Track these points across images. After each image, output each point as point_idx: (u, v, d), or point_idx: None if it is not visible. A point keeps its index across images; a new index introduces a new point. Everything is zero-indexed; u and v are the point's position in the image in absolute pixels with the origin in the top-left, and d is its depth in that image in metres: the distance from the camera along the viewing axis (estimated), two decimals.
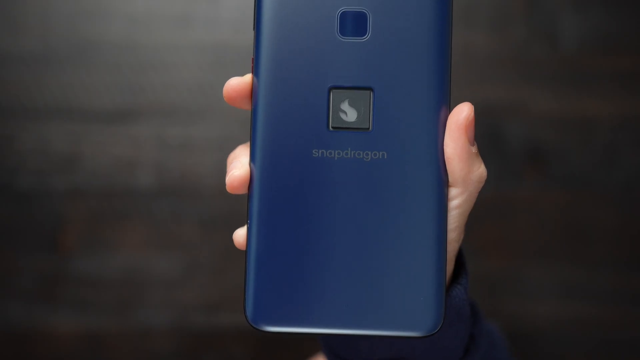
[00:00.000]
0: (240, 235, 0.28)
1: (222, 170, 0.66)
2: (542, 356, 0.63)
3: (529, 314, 0.64)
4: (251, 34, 0.71)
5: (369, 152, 0.27)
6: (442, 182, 0.27)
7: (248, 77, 0.28)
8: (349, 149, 0.27)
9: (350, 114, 0.27)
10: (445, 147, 0.27)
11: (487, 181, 0.66)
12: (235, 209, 0.65)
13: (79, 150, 0.66)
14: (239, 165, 0.28)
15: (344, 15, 0.27)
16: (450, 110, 0.27)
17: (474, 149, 0.28)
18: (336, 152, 0.27)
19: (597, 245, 0.65)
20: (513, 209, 0.65)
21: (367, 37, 0.27)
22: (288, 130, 0.27)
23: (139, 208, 0.65)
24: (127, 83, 0.67)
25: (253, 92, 0.28)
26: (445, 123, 0.27)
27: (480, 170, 0.28)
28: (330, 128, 0.27)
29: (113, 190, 0.65)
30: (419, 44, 0.27)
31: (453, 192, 0.28)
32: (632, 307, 0.64)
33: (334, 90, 0.27)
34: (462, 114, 0.27)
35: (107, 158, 0.66)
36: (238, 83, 0.28)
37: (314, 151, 0.27)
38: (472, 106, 0.27)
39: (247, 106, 0.28)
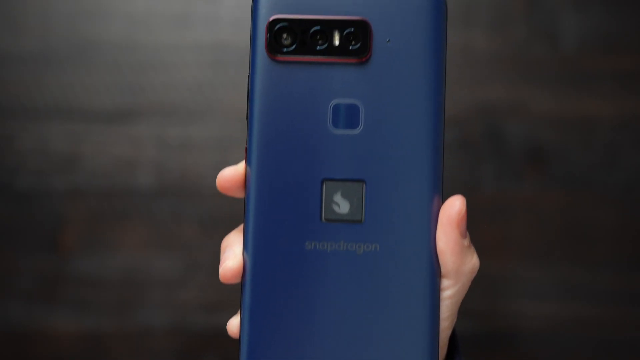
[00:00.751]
0: (234, 325, 0.30)
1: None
2: (542, 356, 0.63)
3: (529, 314, 0.64)
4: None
5: (362, 245, 0.27)
6: (434, 274, 0.28)
7: (241, 167, 0.29)
8: (342, 241, 0.27)
9: (342, 206, 0.27)
10: (437, 241, 0.27)
11: (487, 181, 0.66)
12: (235, 209, 0.65)
13: (79, 150, 0.66)
14: (231, 256, 0.28)
15: (336, 108, 0.27)
16: (443, 200, 0.28)
17: (466, 242, 0.28)
18: (329, 244, 0.27)
19: (597, 245, 0.65)
20: (513, 209, 0.65)
21: (359, 130, 0.27)
22: (281, 222, 0.28)
23: (139, 208, 0.65)
24: (127, 83, 0.67)
25: (246, 182, 0.28)
26: (437, 215, 0.28)
27: (472, 262, 0.29)
28: (323, 220, 0.27)
29: (113, 190, 0.65)
30: (411, 136, 0.27)
31: (445, 283, 0.29)
32: (632, 308, 0.64)
33: (326, 182, 0.27)
34: (453, 208, 0.27)
35: (107, 158, 0.66)
36: (231, 173, 0.29)
37: (306, 243, 0.27)
38: (464, 199, 0.28)
39: (240, 194, 0.29)
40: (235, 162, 0.70)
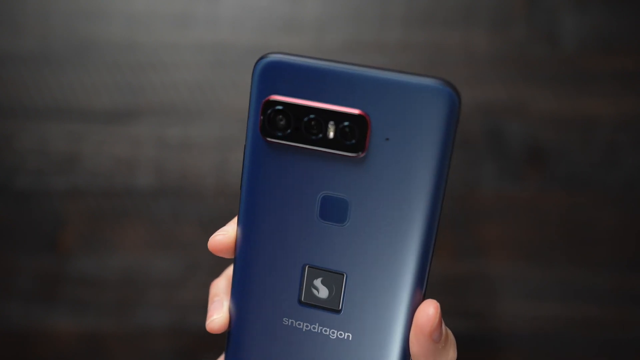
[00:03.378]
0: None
1: (222, 170, 0.66)
2: (541, 356, 0.63)
3: (529, 314, 0.64)
4: (251, 33, 0.71)
5: (335, 332, 0.28)
6: None
7: (232, 232, 0.29)
8: (317, 324, 0.28)
9: (322, 292, 0.28)
10: (410, 344, 0.27)
11: (487, 181, 0.66)
12: (235, 209, 0.65)
13: (79, 150, 0.66)
14: (219, 308, 0.30)
15: (324, 200, 0.27)
16: (423, 298, 0.27)
17: (441, 344, 0.27)
18: (304, 324, 0.28)
19: (598, 245, 0.65)
20: (513, 209, 0.65)
21: (346, 224, 0.27)
22: (263, 295, 0.28)
23: (139, 208, 0.65)
24: (126, 83, 0.67)
25: (236, 247, 0.29)
26: (412, 317, 0.27)
27: (449, 358, 0.28)
28: (302, 302, 0.28)
29: (113, 190, 0.65)
30: (396, 239, 0.26)
31: None
32: (632, 308, 0.64)
33: (308, 268, 0.28)
34: (425, 316, 0.27)
35: (107, 158, 0.66)
36: (221, 240, 0.29)
37: (284, 319, 0.28)
38: (437, 306, 0.27)
39: (231, 256, 0.29)
40: (235, 162, 0.70)
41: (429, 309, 0.27)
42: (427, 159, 0.25)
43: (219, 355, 0.63)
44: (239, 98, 0.67)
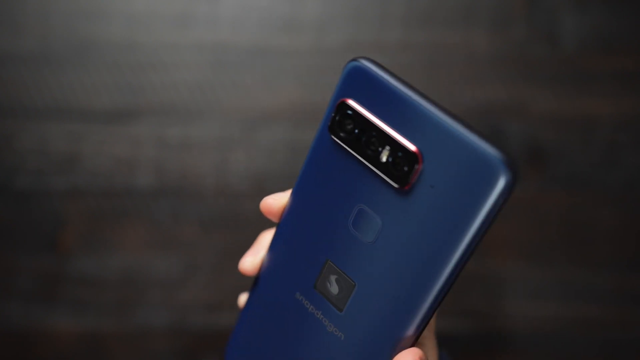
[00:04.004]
0: (241, 300, 0.35)
1: (222, 170, 0.66)
2: (541, 356, 0.63)
3: (529, 314, 0.64)
4: (251, 33, 0.71)
5: (332, 326, 0.30)
6: None
7: (283, 202, 0.31)
8: (321, 312, 0.30)
9: (333, 288, 0.29)
10: None
11: None
12: (235, 209, 0.65)
13: (79, 150, 0.66)
14: (255, 254, 0.33)
15: (360, 213, 0.28)
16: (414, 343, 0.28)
17: None
18: (311, 306, 0.30)
19: (598, 245, 0.65)
20: (513, 209, 0.65)
21: (371, 241, 0.28)
22: (289, 267, 0.31)
23: (139, 208, 0.65)
24: (126, 83, 0.67)
25: (281, 216, 0.31)
26: (412, 342, 0.28)
27: None
28: (315, 287, 0.30)
29: (112, 190, 0.65)
30: (410, 276, 0.27)
31: None
32: (633, 307, 0.64)
33: (329, 263, 0.29)
34: None
35: (107, 158, 0.66)
36: (272, 204, 0.32)
37: (297, 294, 0.31)
38: (416, 356, 0.28)
39: (276, 220, 0.32)
40: (235, 162, 0.70)
41: (407, 357, 0.28)
42: (461, 224, 0.25)
43: (218, 355, 0.63)
44: (239, 98, 0.67)
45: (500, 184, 0.24)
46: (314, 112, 0.67)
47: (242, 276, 0.64)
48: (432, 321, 0.32)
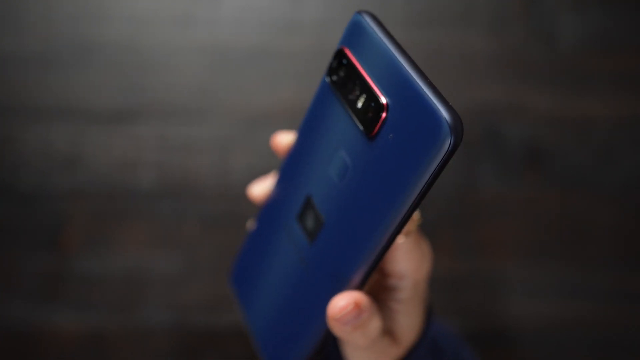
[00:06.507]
0: (249, 225, 0.39)
1: (223, 171, 0.66)
2: (540, 356, 0.63)
3: (527, 313, 0.64)
4: (252, 34, 0.72)
5: (301, 254, 0.33)
6: (322, 320, 0.33)
7: (289, 140, 0.35)
8: (297, 239, 0.34)
9: (309, 222, 0.33)
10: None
11: (486, 181, 0.66)
12: (235, 209, 0.65)
13: (81, 150, 0.66)
14: (263, 182, 0.36)
15: (336, 157, 0.31)
16: (361, 286, 0.31)
17: (350, 329, 0.31)
18: (291, 235, 0.34)
19: (596, 244, 0.65)
20: (511, 209, 0.66)
21: (342, 183, 0.31)
22: (283, 196, 0.35)
23: (140, 208, 0.65)
24: (128, 83, 0.68)
25: (286, 154, 0.35)
26: (356, 285, 0.31)
27: (358, 343, 0.31)
28: (296, 219, 0.34)
29: (114, 190, 0.66)
30: (365, 216, 0.30)
31: None
32: (630, 306, 0.64)
33: (309, 198, 0.33)
34: (333, 306, 0.30)
35: (109, 158, 0.66)
36: (280, 142, 0.35)
37: (284, 223, 0.35)
38: (348, 305, 0.30)
39: (282, 157, 0.36)
40: (235, 163, 0.71)
41: (340, 302, 0.30)
42: (405, 174, 0.28)
43: (219, 354, 0.63)
44: (239, 99, 0.68)
45: (444, 144, 0.26)
46: None
47: None
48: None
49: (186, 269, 0.64)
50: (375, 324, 0.31)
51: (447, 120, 0.26)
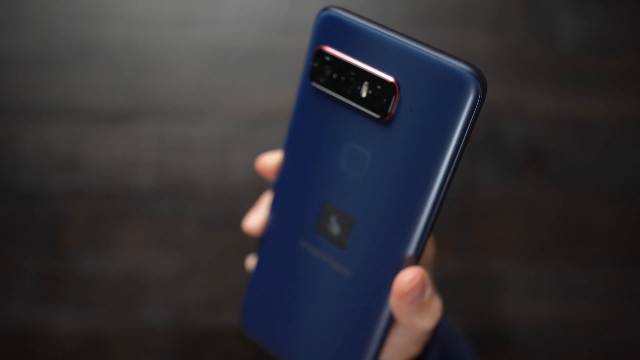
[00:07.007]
0: (249, 263, 0.36)
1: (223, 171, 0.66)
2: (539, 355, 0.63)
3: (527, 312, 0.64)
4: (252, 35, 0.72)
5: (338, 265, 0.31)
6: (385, 316, 0.31)
7: (276, 159, 0.33)
8: (325, 254, 0.31)
9: (334, 228, 0.31)
10: (391, 299, 0.30)
11: (486, 181, 0.66)
12: (235, 209, 0.65)
13: (80, 150, 0.66)
14: (257, 214, 0.34)
15: (349, 150, 0.30)
16: (418, 261, 0.30)
17: (415, 308, 0.30)
18: (315, 250, 0.32)
19: (596, 244, 0.65)
20: (512, 209, 0.66)
21: (363, 175, 0.29)
22: (289, 217, 0.32)
23: (140, 208, 0.65)
24: (128, 84, 0.68)
25: (278, 171, 0.33)
26: (413, 263, 0.30)
27: (422, 324, 0.30)
28: (317, 231, 0.31)
29: (114, 190, 0.66)
30: (403, 199, 0.29)
31: (397, 325, 0.31)
32: (630, 306, 0.64)
33: (327, 205, 0.31)
34: (401, 282, 0.29)
35: (108, 158, 0.66)
36: (265, 164, 0.33)
37: (301, 241, 0.32)
38: (415, 275, 0.29)
39: (271, 179, 0.34)
40: (235, 163, 0.71)
41: (407, 276, 0.29)
42: (442, 138, 0.27)
43: (218, 354, 0.63)
44: (239, 99, 0.68)
45: (472, 92, 0.26)
46: None
47: (242, 275, 0.64)
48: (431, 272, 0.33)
49: (186, 269, 0.64)
50: (437, 302, 0.31)
51: (467, 70, 0.26)
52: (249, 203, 0.65)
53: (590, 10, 0.68)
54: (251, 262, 0.36)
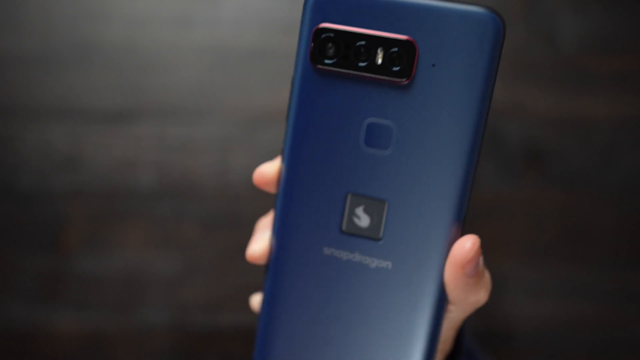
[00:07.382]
0: (255, 301, 0.32)
1: (223, 171, 0.66)
2: (540, 355, 0.63)
3: (527, 312, 0.64)
4: (252, 35, 0.71)
5: (375, 260, 0.28)
6: (438, 299, 0.28)
7: (276, 165, 0.29)
8: (357, 253, 0.28)
9: (363, 220, 0.28)
10: (445, 273, 0.27)
11: (486, 181, 0.66)
12: (235, 209, 0.65)
13: (80, 150, 0.66)
14: (260, 239, 0.30)
15: (370, 127, 0.27)
16: (464, 231, 0.27)
17: (473, 280, 0.28)
18: (345, 253, 0.28)
19: (596, 244, 0.65)
20: (512, 209, 0.66)
21: (389, 151, 0.27)
22: (305, 224, 0.28)
23: (140, 208, 0.65)
24: (128, 84, 0.68)
25: (279, 179, 0.29)
26: (450, 247, 0.27)
27: (477, 298, 0.28)
28: (343, 230, 0.28)
29: (114, 190, 0.66)
30: (438, 166, 0.26)
31: (449, 306, 0.29)
32: (630, 306, 0.64)
33: (351, 196, 0.28)
34: (462, 250, 0.27)
35: (108, 158, 0.66)
36: (266, 171, 0.30)
37: (325, 248, 0.28)
38: (476, 241, 0.27)
39: (273, 190, 0.30)
40: (235, 163, 0.71)
41: (467, 243, 0.27)
42: (472, 84, 0.26)
43: (218, 354, 0.63)
44: (239, 99, 0.68)
45: (492, 29, 0.25)
46: None
47: (242, 275, 0.64)
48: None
49: (186, 269, 0.64)
50: (487, 273, 0.29)
51: (482, 11, 0.25)
52: (249, 203, 0.65)
53: (590, 10, 0.68)
54: (256, 299, 0.32)
